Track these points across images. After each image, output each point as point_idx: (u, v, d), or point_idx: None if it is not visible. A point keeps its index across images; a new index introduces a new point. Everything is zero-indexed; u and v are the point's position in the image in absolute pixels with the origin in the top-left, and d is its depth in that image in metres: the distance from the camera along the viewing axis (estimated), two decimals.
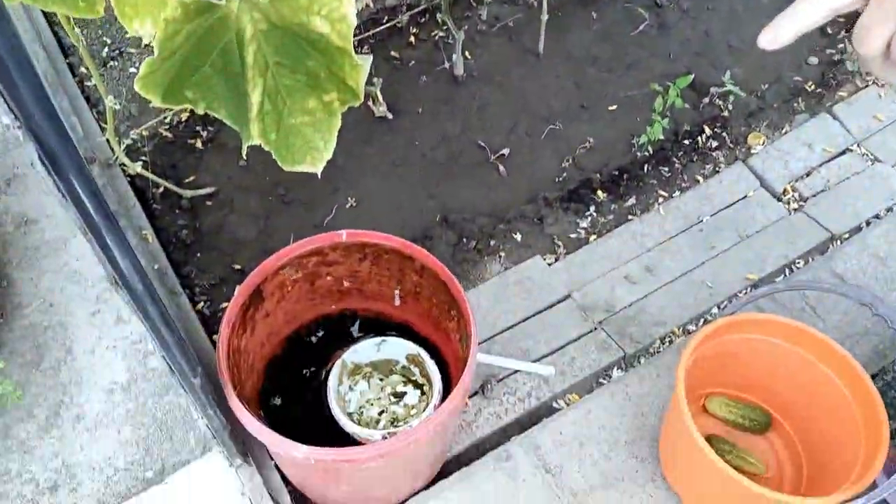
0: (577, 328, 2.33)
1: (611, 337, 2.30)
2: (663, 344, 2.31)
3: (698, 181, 2.64)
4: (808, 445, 1.97)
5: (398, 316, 2.01)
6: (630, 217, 2.56)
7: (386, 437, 1.67)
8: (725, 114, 2.79)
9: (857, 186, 2.60)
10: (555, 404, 2.22)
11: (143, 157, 2.57)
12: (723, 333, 1.84)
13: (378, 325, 2.03)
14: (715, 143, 2.72)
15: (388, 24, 2.98)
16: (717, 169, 2.67)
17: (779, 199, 2.59)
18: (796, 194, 2.60)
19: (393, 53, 2.95)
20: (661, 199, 2.60)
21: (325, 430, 1.84)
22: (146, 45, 2.86)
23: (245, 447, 1.90)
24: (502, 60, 2.98)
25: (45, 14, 2.90)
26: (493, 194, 2.64)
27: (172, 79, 1.49)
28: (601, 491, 2.02)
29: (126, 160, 2.34)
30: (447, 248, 2.48)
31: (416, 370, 1.89)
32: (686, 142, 2.73)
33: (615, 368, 2.28)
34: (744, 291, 2.37)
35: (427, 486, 2.03)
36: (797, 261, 2.44)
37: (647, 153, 2.69)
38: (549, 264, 2.45)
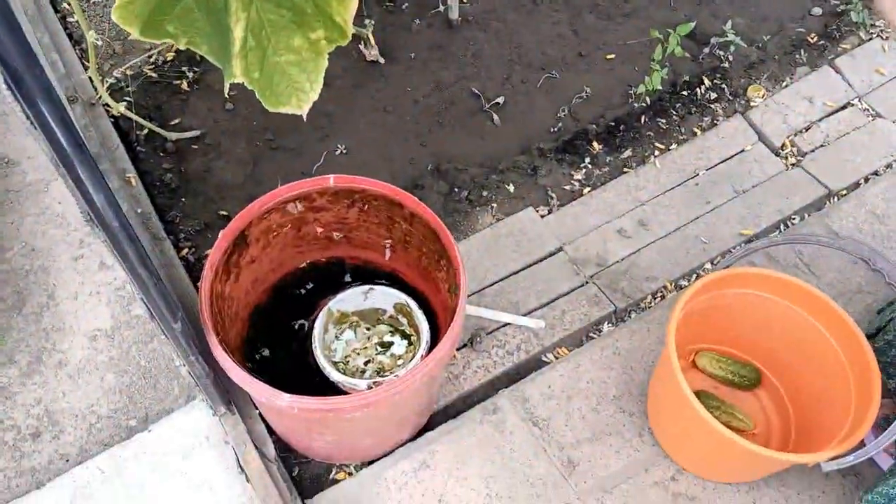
0: (568, 282, 2.29)
1: (602, 291, 2.27)
2: (655, 299, 2.28)
3: (696, 134, 2.59)
4: (798, 402, 1.95)
5: (387, 265, 1.97)
6: (625, 169, 2.51)
7: (371, 387, 1.64)
8: (725, 65, 2.73)
9: (856, 142, 2.55)
10: (544, 358, 2.19)
11: (128, 98, 2.49)
12: (715, 287, 1.81)
13: (366, 275, 1.99)
14: (714, 95, 2.66)
15: None
16: (715, 122, 2.61)
17: (777, 154, 2.54)
18: (795, 149, 2.55)
19: None
20: (657, 152, 2.55)
21: (311, 381, 1.81)
22: None
23: (229, 396, 1.88)
24: (499, 5, 2.89)
25: None
26: (487, 144, 2.58)
27: (152, 10, 1.42)
28: (588, 445, 2.00)
29: (109, 100, 2.27)
30: (438, 197, 2.43)
31: (403, 320, 1.86)
32: (685, 93, 2.67)
33: (606, 323, 2.25)
34: (738, 247, 2.34)
35: (413, 438, 2.01)
36: (793, 217, 2.40)
37: (644, 104, 2.63)
38: (542, 216, 2.41)
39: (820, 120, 2.61)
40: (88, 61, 2.20)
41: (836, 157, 2.52)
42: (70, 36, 2.61)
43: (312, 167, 2.48)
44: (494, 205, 2.43)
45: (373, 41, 2.64)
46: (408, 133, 2.60)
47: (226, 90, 1.49)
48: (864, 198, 2.39)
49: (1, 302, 2.21)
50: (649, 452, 2.00)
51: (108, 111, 2.43)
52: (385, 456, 1.97)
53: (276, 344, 1.94)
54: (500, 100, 2.66)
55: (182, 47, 1.59)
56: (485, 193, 2.44)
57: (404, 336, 1.87)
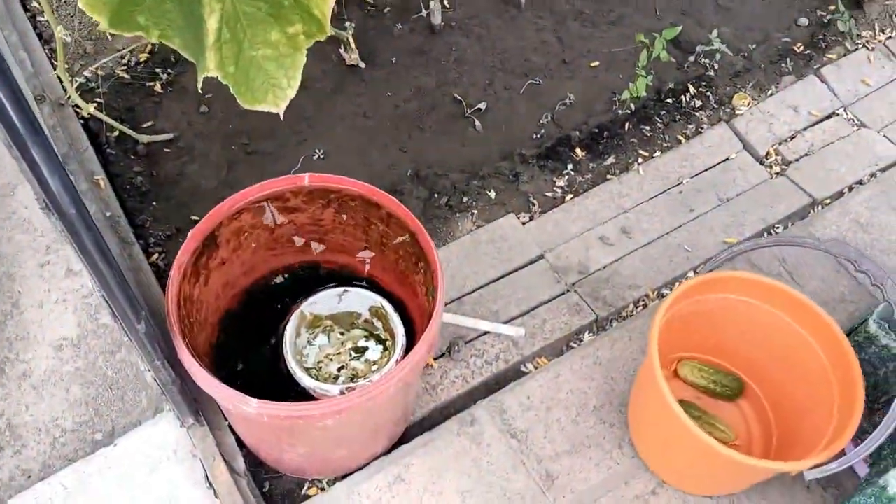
0: (549, 290, 2.24)
1: (583, 299, 2.22)
2: (637, 307, 2.24)
3: (680, 141, 2.55)
4: (780, 412, 1.91)
5: (363, 270, 1.91)
6: (609, 176, 2.47)
7: (344, 393, 1.58)
8: (711, 73, 2.70)
9: (841, 151, 2.52)
10: (523, 368, 2.14)
11: (98, 100, 2.43)
12: (697, 293, 1.76)
13: (342, 280, 1.93)
14: (699, 103, 2.63)
15: None
16: (699, 129, 2.58)
17: (761, 163, 2.51)
18: (779, 158, 2.52)
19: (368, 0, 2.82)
20: (640, 159, 2.51)
21: (284, 390, 1.74)
22: None
23: (197, 406, 1.81)
24: (482, 11, 2.86)
25: None
26: (468, 150, 2.54)
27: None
28: (567, 457, 1.95)
29: (79, 100, 2.21)
30: (418, 203, 2.38)
31: (378, 324, 1.80)
32: (669, 100, 2.63)
33: (587, 332, 2.20)
34: (722, 253, 2.30)
35: (388, 451, 1.95)
36: (776, 225, 2.37)
37: (628, 111, 2.59)
38: (523, 223, 2.36)
39: (805, 129, 2.58)
40: (57, 60, 2.14)
41: (820, 166, 2.49)
42: (40, 35, 2.54)
43: (289, 172, 2.42)
44: (475, 211, 2.38)
45: (353, 44, 2.59)
46: (387, 138, 2.55)
47: (199, 84, 1.43)
48: (848, 206, 2.36)
49: None
50: (629, 465, 1.94)
51: (77, 112, 2.36)
52: (359, 470, 1.90)
53: (248, 351, 1.88)
54: (482, 106, 2.62)
55: (154, 41, 1.53)
56: (465, 199, 2.39)
57: (379, 341, 1.81)
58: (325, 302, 1.76)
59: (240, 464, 1.82)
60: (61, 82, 2.28)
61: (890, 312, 1.76)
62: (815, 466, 1.54)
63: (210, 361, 1.77)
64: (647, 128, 2.58)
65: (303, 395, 1.71)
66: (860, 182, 2.46)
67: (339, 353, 1.77)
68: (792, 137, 2.56)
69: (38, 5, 2.61)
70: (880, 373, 1.81)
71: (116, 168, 2.35)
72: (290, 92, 1.60)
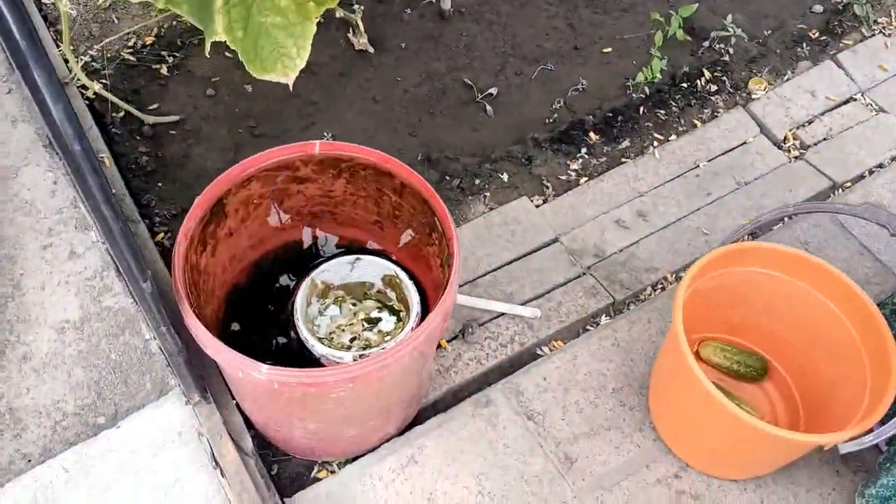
0: (564, 273, 2.18)
1: (600, 283, 2.16)
2: (654, 290, 2.18)
3: (696, 126, 2.50)
4: (806, 391, 1.84)
5: (375, 244, 1.85)
6: (623, 160, 2.42)
7: (357, 360, 1.51)
8: (726, 58, 2.65)
9: (860, 136, 2.47)
10: (538, 351, 2.07)
11: (104, 81, 2.38)
12: (722, 264, 1.70)
13: (352, 254, 1.87)
14: (714, 88, 2.58)
15: None
16: (715, 113, 2.53)
17: (779, 147, 2.46)
18: (797, 142, 2.47)
19: None
20: (656, 143, 2.45)
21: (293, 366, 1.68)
22: None
23: (204, 383, 1.74)
24: None
25: None
26: (479, 134, 2.49)
27: None
28: (586, 440, 1.88)
29: (84, 78, 2.16)
30: None
31: (392, 294, 1.73)
32: (684, 85, 2.59)
33: (603, 315, 2.13)
34: (741, 240, 2.24)
35: (400, 433, 1.88)
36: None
37: (643, 95, 2.55)
38: (537, 206, 2.30)
39: (822, 114, 2.53)
40: (63, 39, 2.10)
41: (839, 150, 2.44)
42: (45, 18, 2.51)
43: None
44: (487, 194, 2.32)
45: (362, 28, 2.55)
46: (397, 123, 2.50)
47: (206, 49, 1.39)
48: (870, 188, 2.31)
49: None
50: (651, 448, 1.87)
51: (82, 93, 2.32)
52: (370, 451, 1.84)
53: (255, 328, 1.81)
54: (494, 91, 2.57)
55: (161, 6, 1.49)
56: (477, 182, 2.34)
57: (393, 312, 1.74)
58: (336, 270, 1.69)
59: (247, 443, 1.75)
60: (66, 62, 2.24)
61: None
62: (852, 439, 1.48)
63: (217, 336, 1.70)
64: (663, 112, 2.53)
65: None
66: (881, 165, 2.41)
67: (351, 324, 1.71)
68: (810, 122, 2.51)
69: None
70: None
71: (121, 148, 2.30)
72: (300, 62, 1.55)
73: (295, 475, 1.86)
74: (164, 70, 2.48)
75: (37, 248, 2.19)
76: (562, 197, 2.33)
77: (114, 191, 2.13)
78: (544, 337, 2.06)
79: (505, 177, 2.36)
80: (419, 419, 1.92)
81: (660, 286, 2.18)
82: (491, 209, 2.29)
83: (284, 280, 1.86)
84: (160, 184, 2.26)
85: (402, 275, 1.67)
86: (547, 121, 2.51)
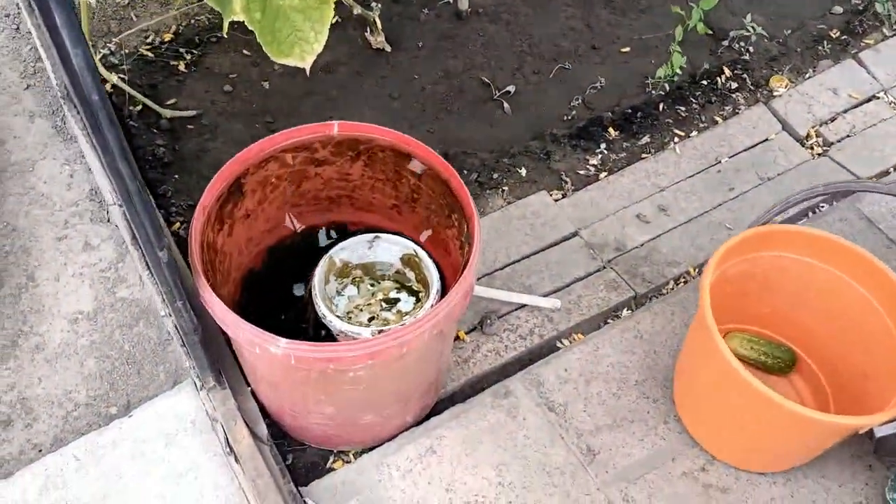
0: (584, 266, 2.14)
1: (621, 276, 2.12)
2: (677, 284, 2.13)
3: (716, 122, 2.47)
4: (836, 383, 1.79)
5: (392, 228, 1.82)
6: (643, 155, 2.39)
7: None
8: (746, 57, 2.63)
9: (885, 133, 2.44)
10: (558, 344, 2.03)
11: (121, 75, 2.38)
12: (750, 248, 1.66)
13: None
14: (734, 85, 2.56)
15: None
16: (736, 110, 2.50)
17: (802, 144, 2.42)
18: (820, 139, 2.43)
19: None
20: (676, 139, 2.43)
21: None
22: None
23: (219, 366, 1.71)
24: None
25: None
26: (497, 131, 2.47)
27: None
28: (609, 432, 1.83)
29: (103, 70, 2.16)
30: None
31: (411, 275, 1.70)
32: (704, 82, 2.56)
33: (625, 309, 2.09)
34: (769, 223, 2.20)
35: (418, 424, 1.84)
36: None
37: (662, 92, 2.52)
38: (556, 200, 2.27)
39: (845, 111, 2.50)
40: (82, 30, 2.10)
41: (863, 147, 2.40)
42: None
43: None
44: (505, 188, 2.29)
45: (379, 26, 2.55)
46: (414, 120, 2.48)
47: (224, 31, 1.37)
48: None
49: None
50: (676, 441, 1.82)
51: None
52: (387, 441, 1.79)
53: (271, 314, 1.78)
54: (511, 89, 2.56)
55: None
56: (495, 176, 2.31)
57: (411, 293, 1.71)
58: (354, 248, 1.66)
59: (262, 429, 1.71)
60: None
61: None
62: (888, 422, 1.42)
63: None
64: (683, 108, 2.50)
65: None
66: None
67: (369, 304, 1.67)
68: (833, 119, 2.48)
69: None
70: None
71: (139, 141, 2.29)
72: (317, 46, 1.54)
73: (310, 465, 1.81)
74: (181, 66, 2.48)
75: (52, 239, 2.18)
76: (581, 191, 2.30)
77: None
78: (564, 329, 2.02)
79: (523, 171, 2.33)
80: (437, 410, 1.87)
81: (682, 280, 2.13)
82: (509, 203, 2.26)
83: (300, 267, 1.83)
84: (176, 176, 2.24)
85: (422, 253, 1.64)
86: (565, 118, 2.49)
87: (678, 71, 2.40)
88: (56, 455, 1.81)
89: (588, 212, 2.25)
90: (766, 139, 2.43)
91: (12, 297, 2.09)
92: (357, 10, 2.49)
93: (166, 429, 1.83)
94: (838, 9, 2.82)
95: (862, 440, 1.78)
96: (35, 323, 2.04)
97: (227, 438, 1.68)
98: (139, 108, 2.33)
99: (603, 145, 2.40)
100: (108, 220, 2.18)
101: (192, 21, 2.60)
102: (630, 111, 2.49)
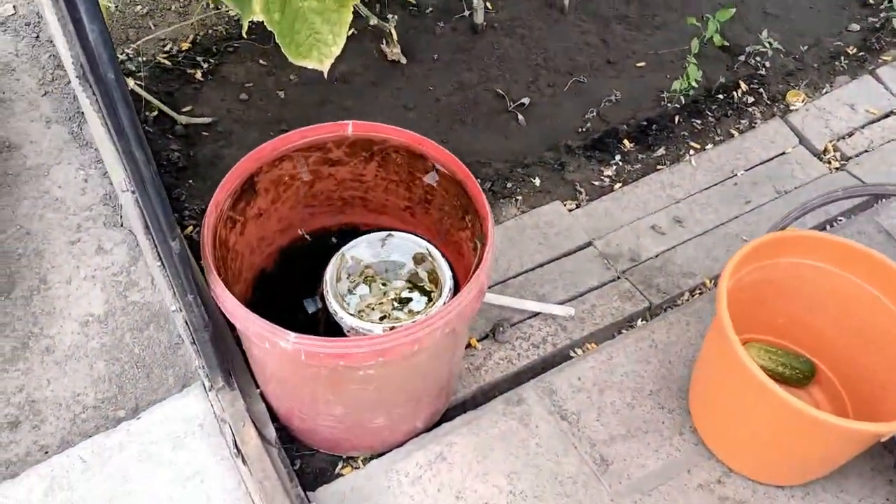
0: (598, 276, 2.12)
1: (635, 286, 2.10)
2: (692, 296, 2.10)
3: (732, 135, 2.46)
4: (856, 395, 1.75)
5: (405, 230, 1.80)
6: (659, 167, 2.37)
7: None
8: (762, 72, 2.62)
9: None
10: (572, 353, 2.00)
11: (139, 82, 2.39)
12: (767, 254, 1.63)
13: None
14: (751, 99, 2.54)
15: None
16: (752, 124, 2.48)
17: (819, 158, 2.40)
18: (838, 153, 2.41)
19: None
20: (692, 151, 2.41)
21: None
22: None
23: (229, 366, 1.69)
24: (525, 14, 2.82)
25: None
26: (511, 142, 2.46)
27: None
28: (623, 442, 1.80)
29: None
30: None
31: (423, 275, 1.68)
32: (720, 96, 2.55)
33: (639, 319, 2.06)
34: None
35: (429, 430, 1.81)
36: (840, 217, 2.25)
37: (678, 105, 2.51)
38: (570, 210, 2.26)
39: (863, 126, 2.48)
40: None
41: (882, 162, 2.38)
42: None
43: None
44: (519, 197, 2.28)
45: (395, 38, 2.56)
46: (428, 130, 2.47)
47: (244, 30, 1.38)
48: None
49: None
50: (692, 452, 1.78)
51: None
52: (396, 447, 1.77)
53: (282, 317, 1.76)
54: (526, 101, 2.55)
55: None
56: (509, 186, 2.30)
57: (424, 293, 1.69)
58: (367, 246, 1.65)
59: (271, 432, 1.69)
60: None
61: None
62: None
63: None
64: (698, 121, 2.49)
65: None
66: None
67: (381, 303, 1.65)
68: (850, 134, 2.46)
69: None
70: None
71: (154, 146, 2.30)
72: (335, 49, 1.54)
73: (318, 470, 1.79)
74: (198, 75, 2.49)
75: (65, 243, 2.18)
76: (596, 202, 2.28)
77: None
78: (578, 339, 2.00)
79: (537, 181, 2.32)
80: (447, 417, 1.85)
81: (698, 291, 2.11)
82: (523, 212, 2.25)
83: (312, 269, 1.81)
84: (190, 181, 2.25)
85: (435, 251, 1.63)
86: (580, 129, 2.49)
87: (694, 84, 2.39)
88: (62, 456, 1.80)
89: (602, 222, 2.23)
90: (783, 153, 2.41)
91: (24, 300, 2.09)
92: (373, 21, 2.50)
93: (174, 431, 1.81)
94: (855, 26, 2.81)
95: (882, 454, 1.75)
96: (46, 325, 2.04)
97: (234, 440, 1.66)
98: (155, 113, 2.34)
99: (618, 157, 2.39)
100: (122, 225, 2.18)
101: (210, 31, 2.62)
102: (645, 123, 2.48)
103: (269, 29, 1.50)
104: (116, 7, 2.61)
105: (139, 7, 2.65)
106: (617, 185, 2.32)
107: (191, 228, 2.14)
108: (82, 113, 2.38)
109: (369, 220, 1.82)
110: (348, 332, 1.53)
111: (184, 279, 1.33)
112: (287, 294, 1.79)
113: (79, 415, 1.90)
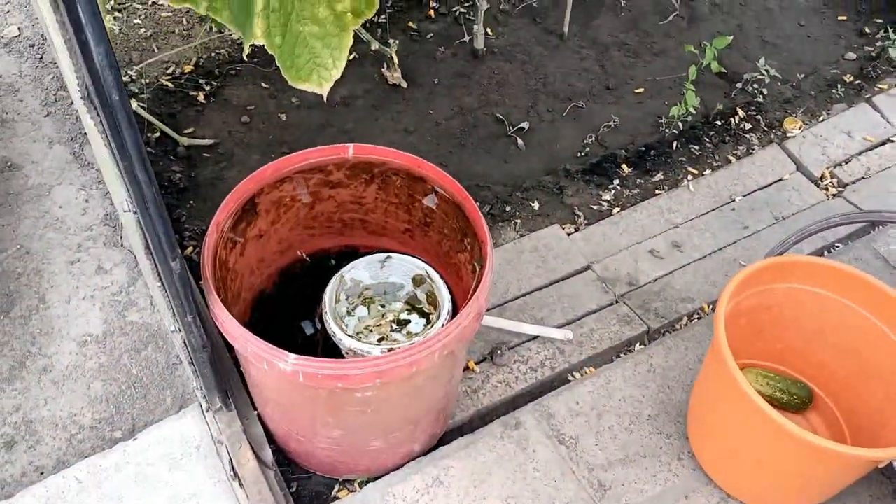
0: (596, 300, 2.13)
1: (633, 311, 2.10)
2: (691, 320, 2.11)
3: (730, 161, 2.48)
4: (854, 421, 1.75)
5: (405, 252, 1.81)
6: (657, 192, 2.39)
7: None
8: (759, 99, 2.65)
9: None
10: (570, 377, 2.00)
11: (141, 104, 2.41)
12: (764, 280, 1.64)
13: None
14: (748, 126, 2.57)
15: None
16: (750, 150, 2.50)
17: (816, 184, 2.42)
18: (835, 180, 2.43)
19: (411, 25, 2.83)
20: (690, 177, 2.43)
21: None
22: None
23: (226, 387, 1.69)
24: (525, 40, 2.85)
25: None
26: (510, 165, 2.48)
27: None
28: (621, 467, 1.79)
29: None
30: None
31: (422, 297, 1.69)
32: (718, 123, 2.57)
33: (637, 343, 2.07)
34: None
35: (426, 453, 1.81)
36: (836, 244, 2.26)
37: (675, 131, 2.53)
38: (569, 234, 2.27)
39: (860, 153, 2.50)
40: None
41: (879, 189, 2.39)
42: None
43: None
44: (518, 221, 2.29)
45: (396, 62, 2.58)
46: (428, 153, 2.49)
47: (245, 51, 1.39)
48: None
49: None
50: (690, 478, 1.78)
51: None
52: (393, 470, 1.76)
53: (281, 340, 1.76)
54: (525, 125, 2.57)
55: (202, 13, 1.51)
56: (508, 209, 2.31)
57: (422, 315, 1.69)
58: (366, 268, 1.65)
59: (267, 454, 1.68)
60: None
61: None
62: None
63: None
64: (696, 147, 2.51)
65: None
66: None
67: (379, 325, 1.66)
68: (847, 161, 2.48)
69: None
70: None
71: (156, 167, 2.31)
72: (335, 73, 1.56)
73: (315, 494, 1.78)
74: (200, 97, 2.51)
75: (64, 262, 2.19)
76: (594, 226, 2.29)
77: None
78: (576, 362, 2.00)
79: (536, 205, 2.33)
80: (444, 440, 1.84)
81: (696, 316, 2.11)
82: (522, 236, 2.26)
83: (311, 292, 1.82)
84: (191, 202, 2.26)
85: (433, 273, 1.63)
86: (579, 154, 2.50)
87: (692, 110, 2.41)
88: (58, 477, 1.79)
89: (601, 246, 2.24)
90: (781, 179, 2.42)
91: (22, 319, 2.09)
92: (375, 45, 2.52)
93: (171, 453, 1.80)
94: (851, 55, 2.84)
95: (881, 481, 1.74)
96: (44, 345, 2.04)
97: (231, 462, 1.65)
98: (157, 134, 2.35)
99: (616, 181, 2.41)
100: (122, 245, 2.19)
101: (213, 54, 2.64)
102: (644, 149, 2.50)
103: (271, 52, 1.52)
104: (121, 30, 2.64)
105: (143, 30, 2.67)
106: (615, 210, 2.33)
107: (191, 249, 2.15)
108: (84, 134, 2.40)
109: (369, 241, 1.82)
110: (346, 353, 1.53)
111: (183, 299, 1.33)
112: (286, 315, 1.80)
113: (75, 435, 1.89)
